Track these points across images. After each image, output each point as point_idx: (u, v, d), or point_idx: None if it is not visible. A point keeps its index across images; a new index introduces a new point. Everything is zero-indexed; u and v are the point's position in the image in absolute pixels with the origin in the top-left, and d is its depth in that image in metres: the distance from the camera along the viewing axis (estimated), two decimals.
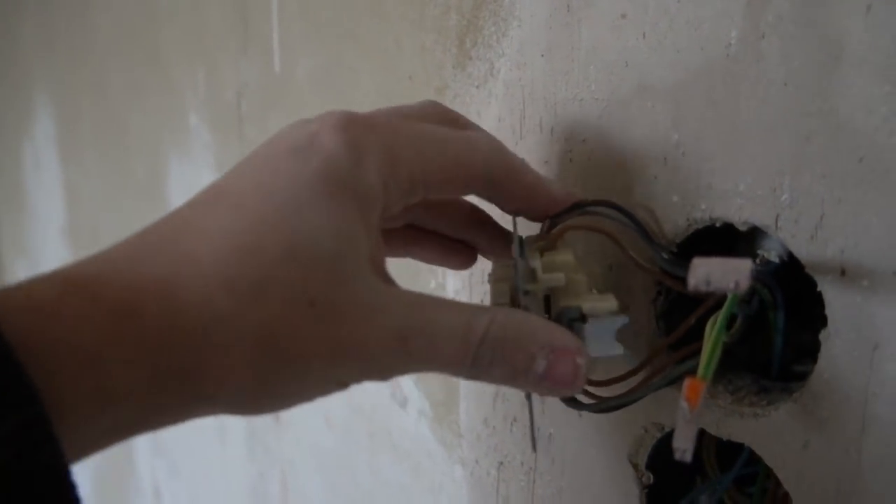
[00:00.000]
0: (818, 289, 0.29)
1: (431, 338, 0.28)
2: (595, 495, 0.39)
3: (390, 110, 0.33)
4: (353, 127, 0.28)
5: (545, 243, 0.33)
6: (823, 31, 0.27)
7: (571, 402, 0.34)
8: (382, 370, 0.28)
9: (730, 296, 0.29)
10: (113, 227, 0.94)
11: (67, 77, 1.09)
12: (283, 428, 0.68)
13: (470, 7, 0.42)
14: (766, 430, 0.31)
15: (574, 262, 0.32)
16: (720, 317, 0.29)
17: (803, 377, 0.31)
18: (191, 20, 0.74)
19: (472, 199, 0.37)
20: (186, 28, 0.75)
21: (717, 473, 0.37)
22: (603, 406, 0.33)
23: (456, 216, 0.36)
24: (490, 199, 0.33)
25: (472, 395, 0.46)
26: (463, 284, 0.46)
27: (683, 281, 0.27)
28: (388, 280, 0.29)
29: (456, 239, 0.37)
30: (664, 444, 0.36)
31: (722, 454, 0.37)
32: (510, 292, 0.31)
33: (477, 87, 0.42)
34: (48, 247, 1.25)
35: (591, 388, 0.35)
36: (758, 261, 0.33)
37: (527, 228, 0.35)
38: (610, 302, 0.31)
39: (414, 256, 0.37)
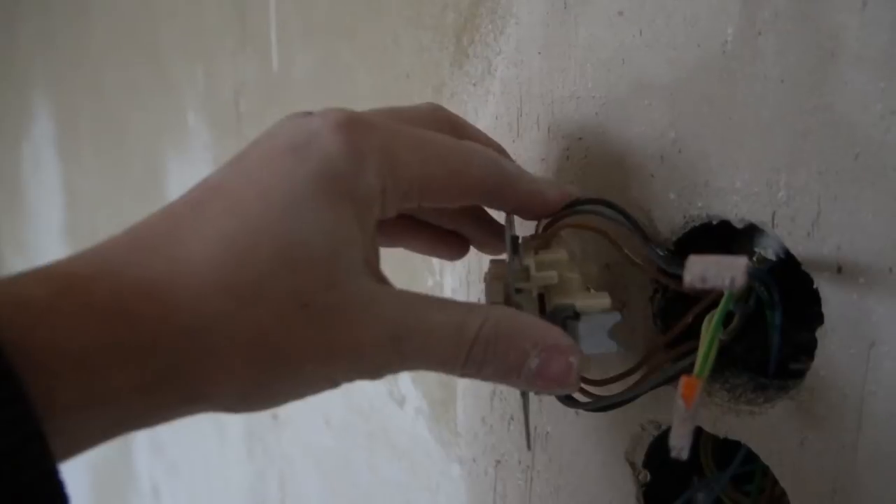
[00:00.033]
0: (815, 286, 0.29)
1: (424, 338, 0.28)
2: (592, 493, 0.39)
3: (391, 112, 0.33)
4: (354, 128, 0.28)
5: (539, 242, 0.33)
6: (819, 28, 0.27)
7: (568, 400, 0.34)
8: (375, 370, 0.29)
9: (726, 293, 0.29)
10: (112, 227, 0.93)
11: (66, 76, 1.09)
12: (281, 427, 0.68)
13: (467, 5, 0.42)
14: (762, 427, 0.31)
15: (568, 260, 0.32)
16: (716, 314, 0.29)
17: (800, 375, 0.31)
18: (189, 19, 0.74)
19: None
20: (184, 27, 0.75)
21: (715, 471, 0.37)
22: (599, 405, 0.33)
23: (449, 208, 0.36)
24: (485, 206, 0.33)
25: (469, 393, 0.46)
26: (460, 283, 0.46)
27: (679, 279, 0.27)
28: (382, 280, 0.29)
29: (448, 230, 0.37)
30: (661, 442, 0.36)
31: (719, 452, 0.37)
32: (504, 291, 0.31)
33: (474, 84, 0.42)
34: (47, 246, 1.25)
35: (587, 387, 0.34)
36: (755, 259, 0.32)
37: (522, 227, 0.35)
38: (603, 299, 0.31)
39: (406, 246, 0.37)
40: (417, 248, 0.37)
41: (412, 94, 0.46)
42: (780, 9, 0.28)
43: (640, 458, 0.37)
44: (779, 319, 0.32)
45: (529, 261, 0.31)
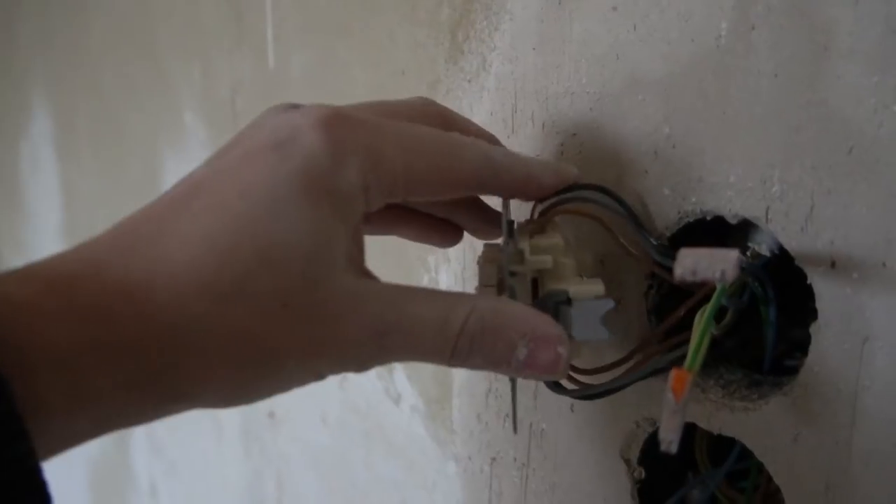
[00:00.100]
0: (808, 281, 0.29)
1: (408, 332, 0.28)
2: (587, 490, 0.39)
3: (380, 106, 0.33)
4: (337, 125, 0.28)
5: (535, 226, 0.33)
6: (813, 22, 0.27)
7: (556, 386, 0.34)
8: (359, 363, 0.29)
9: (718, 287, 0.29)
10: (110, 226, 0.94)
11: (64, 76, 1.09)
12: (278, 425, 0.68)
13: (462, 1, 0.42)
14: (756, 423, 0.31)
15: (563, 246, 0.32)
16: (708, 308, 0.29)
17: (795, 371, 0.31)
18: (186, 18, 0.74)
19: None
20: (181, 26, 0.75)
21: (710, 468, 0.37)
22: (587, 393, 0.33)
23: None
24: (479, 195, 0.33)
25: (465, 391, 0.46)
26: (455, 279, 0.46)
27: (671, 271, 0.27)
28: (366, 275, 0.29)
29: (441, 218, 0.37)
30: (656, 438, 0.36)
31: (714, 449, 0.37)
32: (498, 274, 0.31)
33: (469, 81, 0.42)
34: (45, 246, 1.25)
35: (578, 376, 0.34)
36: (749, 254, 0.32)
37: (518, 213, 0.35)
38: (597, 286, 0.30)
39: (398, 234, 0.37)
40: (410, 235, 0.37)
41: (408, 91, 0.46)
42: (773, 3, 0.28)
43: (634, 455, 0.37)
44: (773, 315, 0.32)
45: (524, 244, 0.31)
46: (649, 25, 0.32)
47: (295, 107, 0.29)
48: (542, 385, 0.39)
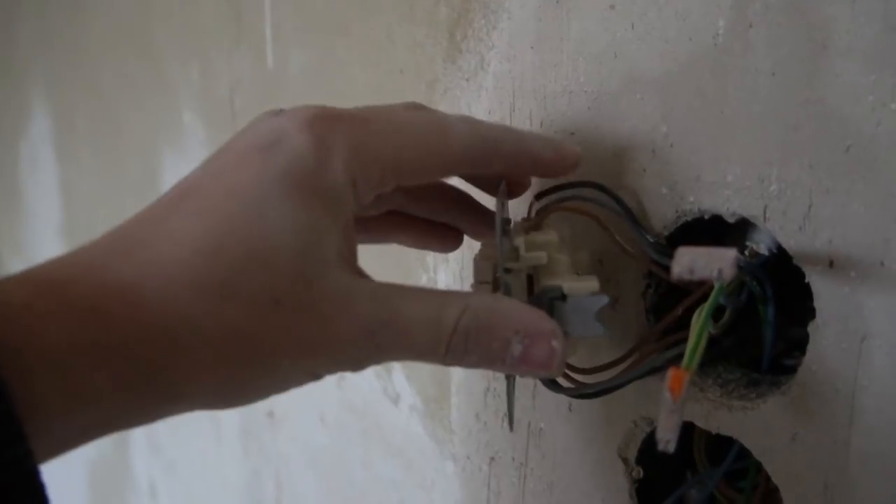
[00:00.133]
0: (807, 280, 0.29)
1: (401, 330, 0.28)
2: (585, 490, 0.39)
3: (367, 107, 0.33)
4: (321, 123, 0.28)
5: (531, 224, 0.33)
6: (810, 20, 0.27)
7: (553, 385, 0.34)
8: (354, 362, 0.29)
9: (716, 286, 0.29)
10: (109, 226, 0.94)
11: (63, 76, 1.09)
12: (277, 425, 0.68)
13: (460, 0, 0.42)
14: (754, 422, 0.31)
15: (558, 242, 0.32)
16: (706, 307, 0.29)
17: (794, 371, 0.31)
18: (184, 17, 0.74)
19: (454, 181, 0.37)
20: (180, 25, 0.75)
21: (708, 468, 0.37)
22: (584, 391, 0.33)
23: (438, 200, 0.36)
24: (476, 175, 0.33)
25: (463, 390, 0.46)
26: (454, 279, 0.46)
27: (668, 269, 0.27)
28: (358, 274, 0.29)
29: (440, 223, 0.37)
30: (654, 438, 0.35)
31: (713, 448, 0.37)
32: (493, 271, 0.31)
33: (467, 80, 0.42)
34: (45, 246, 1.25)
35: (575, 375, 0.34)
36: (747, 253, 0.32)
37: (514, 213, 0.35)
38: (591, 282, 0.30)
39: (398, 241, 0.37)
40: (409, 242, 0.37)
41: (406, 90, 0.46)
42: (771, 1, 0.28)
43: (632, 455, 0.37)
44: (771, 314, 0.32)
45: (519, 241, 0.31)
46: (647, 24, 0.32)
47: (282, 111, 0.30)
48: (540, 384, 0.39)
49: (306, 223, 0.27)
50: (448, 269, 0.46)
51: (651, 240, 0.32)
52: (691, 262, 0.26)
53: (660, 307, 0.36)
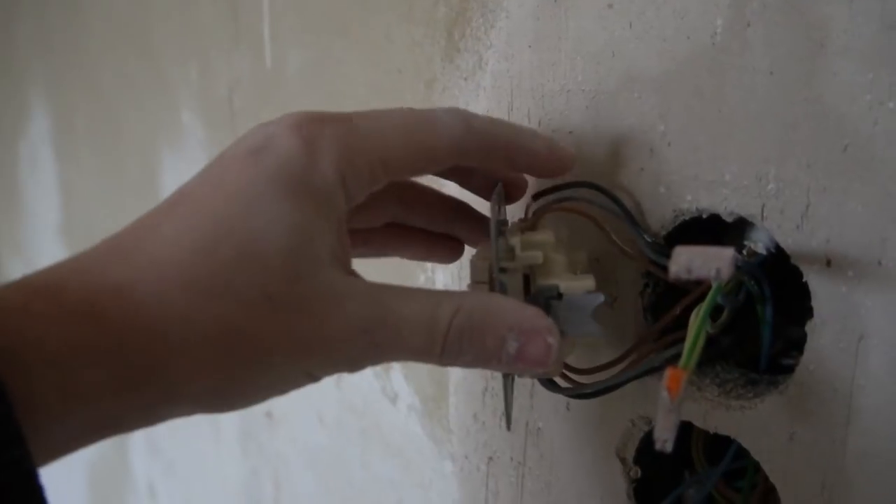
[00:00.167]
0: (804, 280, 0.29)
1: (396, 330, 0.28)
2: (583, 490, 0.39)
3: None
4: (308, 125, 0.29)
5: (527, 224, 0.33)
6: (808, 19, 0.27)
7: (550, 384, 0.34)
8: (350, 362, 0.29)
9: (714, 285, 0.29)
10: (108, 226, 0.93)
11: (63, 76, 1.09)
12: (275, 425, 0.68)
13: None
14: (752, 422, 0.31)
15: (553, 242, 0.31)
16: (703, 306, 0.29)
17: (792, 370, 0.31)
18: (183, 17, 0.74)
19: (451, 191, 0.37)
20: (179, 25, 0.75)
21: (706, 467, 0.37)
22: (581, 391, 0.33)
23: (437, 209, 0.36)
24: (471, 174, 0.33)
25: (461, 390, 0.46)
26: (452, 279, 0.46)
27: (666, 268, 0.27)
28: (351, 273, 0.30)
29: (440, 233, 0.37)
30: (652, 437, 0.35)
31: (711, 448, 0.37)
32: (489, 271, 0.31)
33: (465, 79, 0.42)
34: (44, 246, 1.25)
35: (573, 375, 0.34)
36: (745, 252, 0.32)
37: (511, 214, 0.35)
38: (587, 280, 0.30)
39: (400, 254, 0.38)
40: (411, 254, 0.38)
41: (404, 89, 0.46)
42: (769, 0, 0.28)
43: (630, 454, 0.37)
44: (769, 314, 0.32)
45: (515, 240, 0.31)
46: (645, 23, 0.32)
47: (271, 122, 0.30)
48: (538, 384, 0.39)
49: (298, 222, 0.27)
50: (446, 269, 0.46)
51: (649, 240, 0.32)
52: (689, 261, 0.26)
53: (658, 306, 0.35)
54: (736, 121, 0.30)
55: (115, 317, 0.25)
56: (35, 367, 0.24)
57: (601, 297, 0.30)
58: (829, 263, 0.28)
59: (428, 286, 0.48)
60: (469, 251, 0.38)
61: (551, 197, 0.34)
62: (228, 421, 0.75)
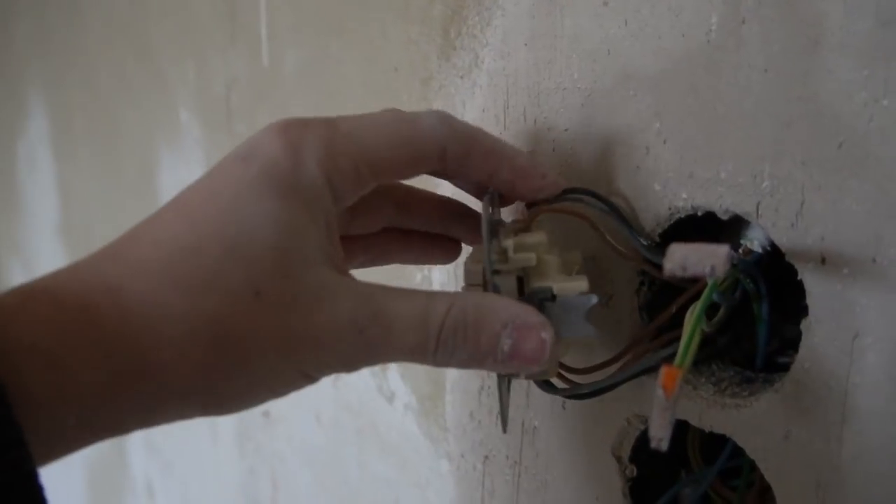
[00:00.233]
0: (799, 277, 0.29)
1: (388, 327, 0.28)
2: (579, 488, 0.39)
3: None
4: (291, 129, 0.29)
5: (520, 225, 0.33)
6: (802, 16, 0.27)
7: (546, 386, 0.34)
8: (344, 361, 0.29)
9: (709, 283, 0.29)
10: (106, 225, 0.94)
11: (60, 76, 1.09)
12: (273, 425, 0.68)
13: None
14: (747, 420, 0.31)
15: (546, 243, 0.31)
16: (699, 304, 0.29)
17: (788, 369, 0.31)
18: (180, 16, 0.74)
19: (446, 191, 0.37)
20: (176, 24, 0.75)
21: (702, 466, 0.37)
22: (577, 392, 0.33)
23: (434, 210, 0.36)
24: (455, 176, 0.33)
25: (458, 388, 0.46)
26: (448, 277, 0.46)
27: (661, 268, 0.27)
28: (343, 272, 0.30)
29: (437, 234, 0.37)
30: (648, 436, 0.35)
31: (707, 447, 0.36)
32: (483, 274, 0.31)
33: (461, 77, 0.42)
34: (42, 245, 1.25)
35: (569, 375, 0.34)
36: (741, 251, 0.32)
37: (504, 215, 0.35)
38: (581, 282, 0.30)
39: (400, 260, 0.38)
40: (413, 258, 0.38)
41: (401, 88, 0.46)
42: None
43: (626, 453, 0.37)
44: (766, 312, 0.32)
45: (508, 242, 0.31)
46: (640, 21, 0.32)
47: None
48: (534, 383, 0.39)
49: (285, 220, 0.28)
50: (443, 269, 0.46)
51: (645, 243, 0.32)
52: (683, 258, 0.25)
53: (653, 305, 0.35)
54: (731, 118, 0.30)
55: (107, 316, 0.26)
56: (31, 368, 0.24)
57: (594, 299, 0.30)
58: (823, 261, 0.28)
59: (425, 286, 0.48)
60: (467, 250, 0.38)
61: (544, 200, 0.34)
62: (226, 421, 0.75)
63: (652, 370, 0.32)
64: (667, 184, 0.32)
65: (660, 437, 0.26)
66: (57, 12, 1.07)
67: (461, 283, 0.44)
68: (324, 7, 0.53)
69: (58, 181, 1.16)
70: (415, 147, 0.31)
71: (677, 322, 0.31)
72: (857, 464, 0.28)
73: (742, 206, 0.30)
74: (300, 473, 0.65)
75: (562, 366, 0.34)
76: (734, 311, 0.33)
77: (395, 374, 0.52)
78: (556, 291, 0.30)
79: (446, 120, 0.31)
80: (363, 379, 0.54)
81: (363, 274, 0.32)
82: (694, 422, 0.33)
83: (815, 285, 0.28)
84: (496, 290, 0.30)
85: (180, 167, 0.78)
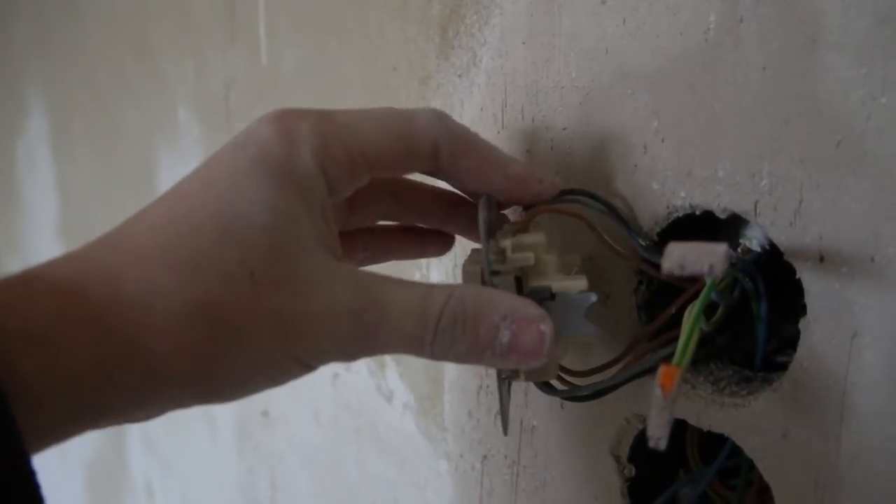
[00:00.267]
0: (797, 276, 0.29)
1: (386, 314, 0.28)
2: (577, 488, 0.39)
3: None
4: (286, 118, 0.29)
5: (518, 225, 0.32)
6: (800, 14, 0.27)
7: (546, 387, 0.34)
8: (341, 348, 0.28)
9: (708, 282, 0.29)
10: (106, 224, 0.93)
11: (60, 75, 1.09)
12: (272, 424, 0.68)
13: None
14: (745, 420, 0.31)
15: (545, 243, 0.31)
16: (697, 304, 0.29)
17: (786, 368, 0.31)
18: (179, 15, 0.74)
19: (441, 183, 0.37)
20: (175, 23, 0.75)
21: (700, 466, 0.37)
22: (577, 393, 0.33)
23: (431, 203, 0.36)
24: (450, 177, 0.33)
25: (456, 387, 0.46)
26: (446, 276, 0.46)
27: (659, 267, 0.26)
28: (340, 258, 0.30)
29: (433, 230, 0.37)
30: (646, 435, 0.35)
31: (706, 446, 0.36)
32: (481, 275, 0.31)
33: (459, 76, 0.42)
34: (42, 245, 1.25)
35: (569, 377, 0.34)
36: (740, 250, 0.32)
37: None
38: (580, 281, 0.30)
39: (396, 257, 0.38)
40: (406, 253, 0.38)
41: (399, 87, 0.46)
42: None
43: (624, 452, 0.37)
44: (764, 311, 0.32)
45: (506, 243, 0.31)
46: (638, 19, 0.32)
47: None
48: (534, 384, 0.39)
49: (280, 205, 0.28)
50: (440, 266, 0.46)
51: (644, 244, 0.32)
52: (681, 257, 0.25)
53: (651, 304, 0.35)
54: (729, 117, 0.30)
55: (100, 299, 0.26)
56: (23, 352, 0.24)
57: (593, 297, 0.30)
58: (822, 260, 0.28)
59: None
60: (461, 239, 0.38)
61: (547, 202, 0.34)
62: (225, 420, 0.75)
63: (651, 370, 0.32)
64: (665, 182, 0.32)
65: (658, 436, 0.26)
66: (56, 12, 1.07)
67: (459, 282, 0.44)
68: (322, 7, 0.53)
69: (57, 181, 1.16)
70: (409, 141, 0.31)
71: (676, 322, 0.31)
72: (855, 463, 0.28)
73: (740, 205, 0.30)
74: (299, 473, 0.65)
75: (561, 368, 0.34)
76: (733, 310, 0.33)
77: (393, 374, 0.51)
78: (555, 290, 0.30)
79: (442, 117, 0.31)
80: (362, 378, 0.54)
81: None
82: (692, 421, 0.33)
83: (814, 284, 0.28)
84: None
85: (179, 166, 0.78)
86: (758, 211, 0.29)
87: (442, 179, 0.34)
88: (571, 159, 0.36)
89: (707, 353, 0.34)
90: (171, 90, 0.77)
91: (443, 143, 0.31)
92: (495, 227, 0.32)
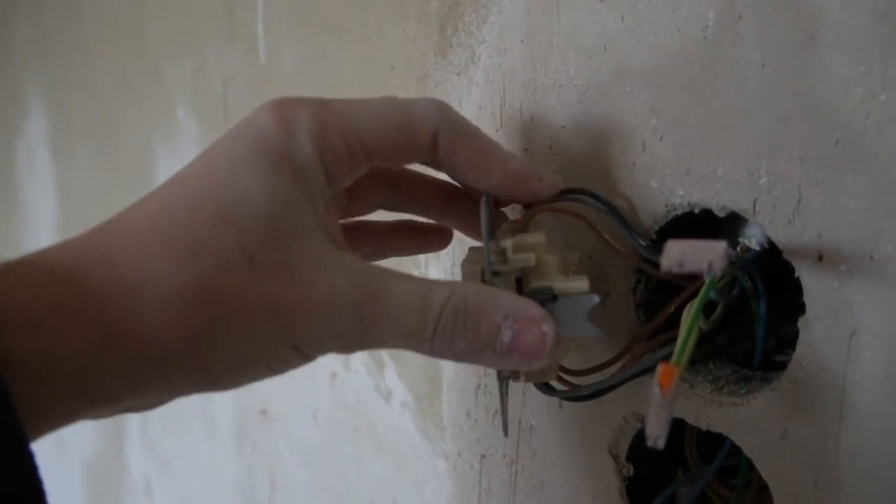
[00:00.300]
0: (796, 275, 0.29)
1: (386, 305, 0.27)
2: (576, 487, 0.39)
3: None
4: (285, 105, 0.29)
5: (518, 225, 0.32)
6: (799, 11, 0.27)
7: (546, 388, 0.34)
8: (338, 338, 0.28)
9: (707, 280, 0.29)
10: None
11: (59, 75, 1.09)
12: (270, 424, 0.68)
13: None
14: (744, 419, 0.31)
15: (545, 243, 0.31)
16: (696, 302, 0.29)
17: (785, 367, 0.31)
18: (177, 14, 0.74)
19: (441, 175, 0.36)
20: (173, 22, 0.75)
21: (699, 465, 0.36)
22: (577, 394, 0.33)
23: (431, 194, 0.36)
24: (450, 169, 0.33)
25: (454, 387, 0.46)
26: (445, 275, 0.45)
27: (658, 266, 0.26)
28: (342, 247, 0.29)
29: (428, 225, 0.37)
30: (645, 434, 0.35)
31: (705, 446, 0.36)
32: (481, 275, 0.31)
33: (458, 74, 0.42)
34: (41, 244, 1.25)
35: (568, 377, 0.34)
36: (738, 248, 0.32)
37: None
38: (581, 282, 0.30)
39: (398, 253, 0.38)
40: (407, 248, 0.38)
41: (397, 85, 0.46)
42: None
43: (623, 452, 0.37)
44: (763, 310, 0.32)
45: (507, 243, 0.30)
46: (637, 16, 0.32)
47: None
48: (534, 385, 0.39)
49: (279, 192, 0.28)
50: (439, 265, 0.46)
51: (643, 243, 0.32)
52: (680, 254, 0.25)
53: (650, 303, 0.35)
54: (728, 114, 0.30)
55: (95, 277, 0.26)
56: (19, 334, 0.24)
57: (596, 299, 0.30)
58: (820, 258, 0.28)
59: None
60: (459, 238, 0.38)
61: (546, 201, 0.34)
62: (223, 418, 0.75)
63: (650, 370, 0.32)
64: (663, 180, 0.32)
65: (656, 435, 0.26)
66: (56, 12, 1.07)
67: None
68: (320, 5, 0.53)
69: (56, 180, 1.16)
70: (408, 131, 0.30)
71: (675, 321, 0.31)
72: (854, 462, 0.28)
73: (739, 203, 0.30)
74: (298, 472, 0.65)
75: (561, 367, 0.34)
76: (731, 309, 0.33)
77: (392, 373, 0.51)
78: (556, 291, 0.30)
79: (442, 107, 0.31)
80: (360, 377, 0.54)
81: None
82: (691, 420, 0.33)
83: (813, 283, 0.28)
84: None
85: (178, 165, 0.77)
86: (756, 209, 0.29)
87: (441, 171, 0.33)
88: (570, 157, 0.36)
89: (706, 352, 0.34)
90: (169, 90, 0.77)
91: (442, 133, 0.31)
92: (495, 227, 0.32)
